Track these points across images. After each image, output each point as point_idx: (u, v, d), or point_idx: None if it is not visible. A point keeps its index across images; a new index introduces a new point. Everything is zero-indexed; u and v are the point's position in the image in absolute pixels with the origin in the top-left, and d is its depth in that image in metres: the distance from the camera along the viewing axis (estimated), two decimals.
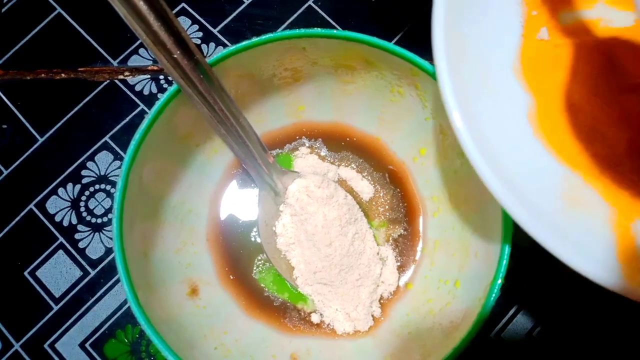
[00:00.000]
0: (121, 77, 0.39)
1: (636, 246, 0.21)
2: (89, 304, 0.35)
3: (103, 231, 0.36)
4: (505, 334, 0.34)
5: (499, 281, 0.26)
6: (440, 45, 0.23)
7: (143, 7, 0.22)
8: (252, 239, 0.34)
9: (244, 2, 0.41)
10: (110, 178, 0.37)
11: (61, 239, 0.36)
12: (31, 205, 0.37)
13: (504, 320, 0.34)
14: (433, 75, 0.28)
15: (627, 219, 0.22)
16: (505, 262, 0.26)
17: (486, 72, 0.24)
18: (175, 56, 0.24)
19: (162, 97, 0.28)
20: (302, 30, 0.29)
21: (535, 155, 0.23)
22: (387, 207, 0.35)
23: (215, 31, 0.40)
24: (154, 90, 0.39)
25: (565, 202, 0.22)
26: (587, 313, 0.34)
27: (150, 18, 0.23)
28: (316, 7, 0.40)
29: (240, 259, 0.34)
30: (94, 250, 0.36)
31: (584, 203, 0.22)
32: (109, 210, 0.37)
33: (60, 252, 0.36)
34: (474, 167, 0.22)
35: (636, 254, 0.21)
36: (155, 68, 0.39)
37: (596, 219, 0.22)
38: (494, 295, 0.26)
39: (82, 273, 0.35)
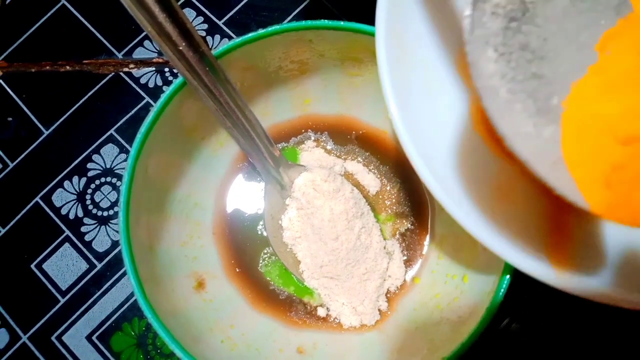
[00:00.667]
0: (126, 69, 0.39)
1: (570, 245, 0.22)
2: (95, 296, 0.35)
3: (109, 224, 0.36)
4: (514, 327, 0.34)
5: (508, 276, 0.26)
6: (381, 35, 0.23)
7: None
8: (259, 232, 0.34)
9: None
10: (115, 171, 0.37)
11: (67, 232, 0.36)
12: (37, 198, 0.37)
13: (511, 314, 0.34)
14: None
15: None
16: None
17: (428, 65, 0.24)
18: (180, 48, 0.24)
19: (168, 90, 0.28)
20: (309, 22, 0.28)
21: (473, 144, 0.23)
22: (393, 201, 0.35)
23: (220, 23, 0.40)
24: (159, 82, 0.39)
25: (499, 193, 0.23)
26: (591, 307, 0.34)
27: (156, 9, 0.23)
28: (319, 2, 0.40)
29: (246, 253, 0.34)
30: (100, 243, 0.36)
31: (517, 198, 0.23)
32: (114, 203, 0.37)
33: (67, 245, 0.36)
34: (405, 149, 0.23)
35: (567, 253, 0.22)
36: (161, 60, 0.39)
37: (530, 214, 0.22)
38: (502, 289, 0.26)
39: (88, 266, 0.35)
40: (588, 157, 0.19)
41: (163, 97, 0.28)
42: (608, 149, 0.19)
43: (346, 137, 0.36)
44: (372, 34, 0.28)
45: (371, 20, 0.28)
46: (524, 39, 0.19)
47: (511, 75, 0.18)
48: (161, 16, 0.23)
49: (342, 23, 0.28)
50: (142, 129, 0.27)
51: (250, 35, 0.28)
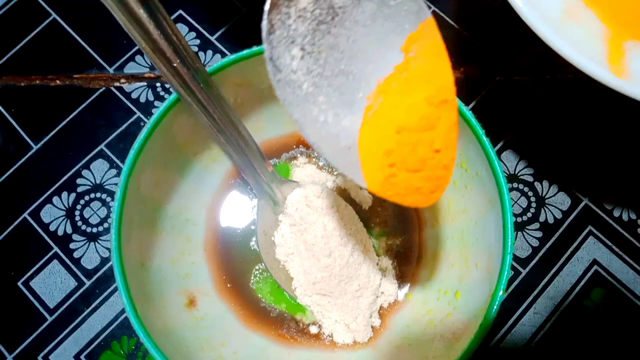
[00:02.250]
0: (117, 84, 0.39)
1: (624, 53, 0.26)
2: (84, 315, 0.34)
3: (98, 241, 0.36)
4: (504, 345, 0.34)
5: (501, 292, 0.26)
6: None
7: (143, 15, 0.22)
8: (251, 248, 0.34)
9: (242, 10, 0.40)
10: (105, 187, 0.37)
11: (56, 249, 0.35)
12: (25, 214, 0.36)
13: (502, 331, 0.34)
14: None
15: (620, 38, 0.27)
16: (506, 272, 0.26)
17: None
18: (174, 64, 0.24)
19: (161, 106, 0.28)
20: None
21: None
22: (386, 216, 0.35)
23: (212, 39, 0.40)
24: (151, 97, 0.39)
25: (566, 16, 0.27)
26: (586, 321, 0.34)
27: (150, 26, 0.23)
28: None
29: (238, 269, 0.34)
30: (89, 260, 0.35)
31: (582, 19, 0.27)
32: (104, 220, 0.36)
33: (55, 262, 0.35)
34: None
35: (623, 57, 0.26)
36: (152, 75, 0.39)
37: (592, 32, 0.27)
38: (496, 306, 0.26)
39: (77, 283, 0.35)
40: (373, 143, 0.21)
41: (156, 114, 0.28)
42: (387, 136, 0.21)
43: None
44: None
45: None
46: (333, 40, 0.20)
47: (318, 71, 0.20)
48: (156, 33, 0.23)
49: None
50: (135, 145, 0.27)
51: (245, 52, 0.28)
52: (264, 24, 0.19)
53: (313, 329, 0.33)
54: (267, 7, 0.19)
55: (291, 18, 0.19)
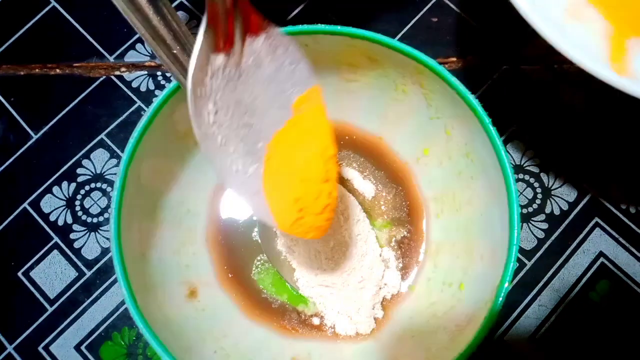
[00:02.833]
0: (117, 73, 0.38)
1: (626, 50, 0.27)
2: (84, 305, 0.34)
3: (99, 231, 0.35)
4: (508, 337, 0.34)
5: (506, 284, 0.25)
6: None
7: (143, 1, 0.22)
8: (253, 239, 0.34)
9: None
10: (106, 176, 0.36)
11: (56, 239, 0.35)
12: (25, 204, 0.36)
13: (507, 323, 0.34)
14: (439, 74, 0.27)
15: (623, 35, 0.27)
16: (512, 264, 0.26)
17: None
18: (174, 52, 0.24)
19: (161, 95, 0.27)
20: (305, 27, 0.28)
21: None
22: (389, 207, 0.34)
23: None
24: (151, 86, 0.38)
25: (569, 14, 0.27)
26: (592, 313, 0.34)
27: (150, 12, 0.22)
28: (318, 4, 0.39)
29: (239, 260, 0.33)
30: (90, 250, 0.35)
31: (584, 17, 0.27)
32: (104, 210, 0.36)
33: (55, 252, 0.35)
34: None
35: (625, 55, 0.26)
36: (153, 64, 0.39)
37: (594, 30, 0.27)
38: (501, 298, 0.25)
39: (77, 274, 0.35)
40: (281, 190, 0.25)
41: (156, 102, 0.27)
42: (293, 185, 0.25)
43: (340, 142, 0.35)
44: (369, 39, 0.28)
45: (368, 26, 0.28)
46: (239, 96, 0.23)
47: (227, 124, 0.23)
48: (155, 19, 0.22)
49: (338, 28, 0.28)
50: (135, 134, 0.27)
51: None
52: (189, 83, 0.21)
53: (315, 320, 0.32)
54: (191, 68, 0.20)
55: (207, 76, 0.21)
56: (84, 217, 0.36)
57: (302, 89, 0.26)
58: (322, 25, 0.28)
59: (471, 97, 0.27)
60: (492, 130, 0.27)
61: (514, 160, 0.37)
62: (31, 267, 0.35)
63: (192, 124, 0.21)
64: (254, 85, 0.24)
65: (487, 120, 0.27)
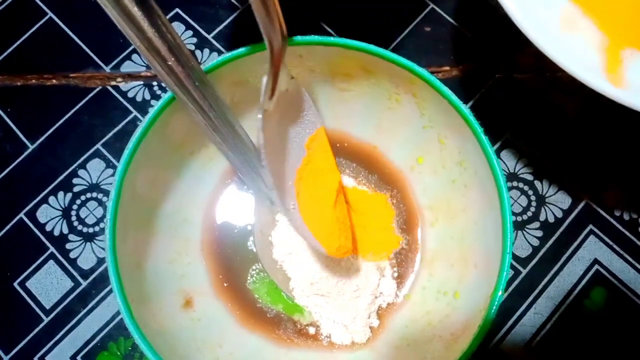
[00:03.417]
0: (113, 83, 0.39)
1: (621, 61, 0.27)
2: (80, 315, 0.34)
3: (95, 241, 0.35)
4: (504, 345, 0.34)
5: (500, 292, 0.26)
6: None
7: (137, 13, 0.22)
8: (249, 248, 0.34)
9: (238, 8, 0.40)
10: (102, 186, 0.36)
11: (52, 249, 0.35)
12: (21, 214, 0.36)
13: (502, 331, 0.34)
14: (431, 84, 0.28)
15: (618, 46, 0.27)
16: (506, 273, 0.26)
17: None
18: (169, 63, 0.24)
19: (156, 105, 0.27)
20: (299, 38, 0.28)
21: None
22: None
23: (209, 37, 0.40)
24: (147, 96, 0.38)
25: (564, 25, 0.27)
26: (587, 320, 0.34)
27: (145, 24, 0.22)
28: (312, 14, 0.40)
29: (235, 269, 0.33)
30: (86, 260, 0.35)
31: (579, 28, 0.27)
32: (100, 220, 0.36)
33: (51, 262, 0.35)
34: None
35: (620, 66, 0.27)
36: (149, 74, 0.39)
37: (590, 41, 0.27)
38: (494, 307, 0.25)
39: (73, 284, 0.35)
40: (317, 217, 0.29)
41: (151, 112, 0.27)
42: (327, 210, 0.30)
43: (334, 150, 0.35)
44: (362, 50, 0.28)
45: (362, 36, 0.28)
46: (275, 141, 0.28)
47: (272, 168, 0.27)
48: (150, 31, 0.23)
49: (332, 39, 0.28)
50: (130, 144, 0.27)
51: (241, 50, 0.28)
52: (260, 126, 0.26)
53: (311, 330, 0.32)
54: (260, 122, 0.26)
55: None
56: (79, 227, 0.36)
57: (312, 130, 0.30)
58: (316, 36, 0.28)
59: (463, 107, 0.27)
60: (485, 139, 0.27)
61: (508, 168, 0.37)
62: (27, 278, 0.35)
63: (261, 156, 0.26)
64: (285, 131, 0.29)
65: (480, 129, 0.27)
